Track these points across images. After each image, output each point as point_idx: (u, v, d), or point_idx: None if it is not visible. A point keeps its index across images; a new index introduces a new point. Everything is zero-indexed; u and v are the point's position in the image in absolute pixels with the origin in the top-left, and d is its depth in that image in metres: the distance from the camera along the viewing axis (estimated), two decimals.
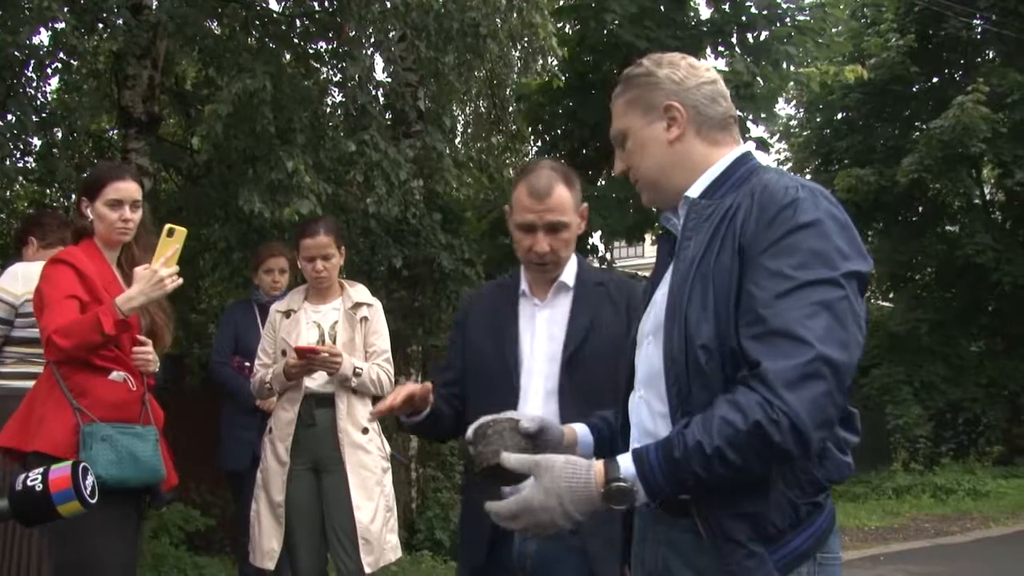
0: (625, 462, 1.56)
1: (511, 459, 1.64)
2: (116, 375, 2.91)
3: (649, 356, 1.73)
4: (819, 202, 1.59)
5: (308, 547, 3.90)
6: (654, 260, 1.96)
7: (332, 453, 3.83)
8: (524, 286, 2.50)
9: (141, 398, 3.00)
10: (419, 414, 2.33)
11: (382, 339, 4.04)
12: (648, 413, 1.70)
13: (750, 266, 1.56)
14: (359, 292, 4.09)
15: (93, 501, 1.85)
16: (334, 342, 3.91)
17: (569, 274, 2.48)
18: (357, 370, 3.84)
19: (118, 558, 2.86)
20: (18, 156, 6.19)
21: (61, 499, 1.84)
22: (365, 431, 3.89)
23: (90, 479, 1.86)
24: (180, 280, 2.95)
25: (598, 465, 1.57)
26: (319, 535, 3.88)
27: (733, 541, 1.54)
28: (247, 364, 4.95)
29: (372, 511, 3.82)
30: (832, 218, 1.58)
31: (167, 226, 2.93)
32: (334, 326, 3.97)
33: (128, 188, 3.00)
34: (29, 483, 1.83)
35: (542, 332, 2.42)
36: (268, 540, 3.86)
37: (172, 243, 2.90)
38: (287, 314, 4.04)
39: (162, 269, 2.86)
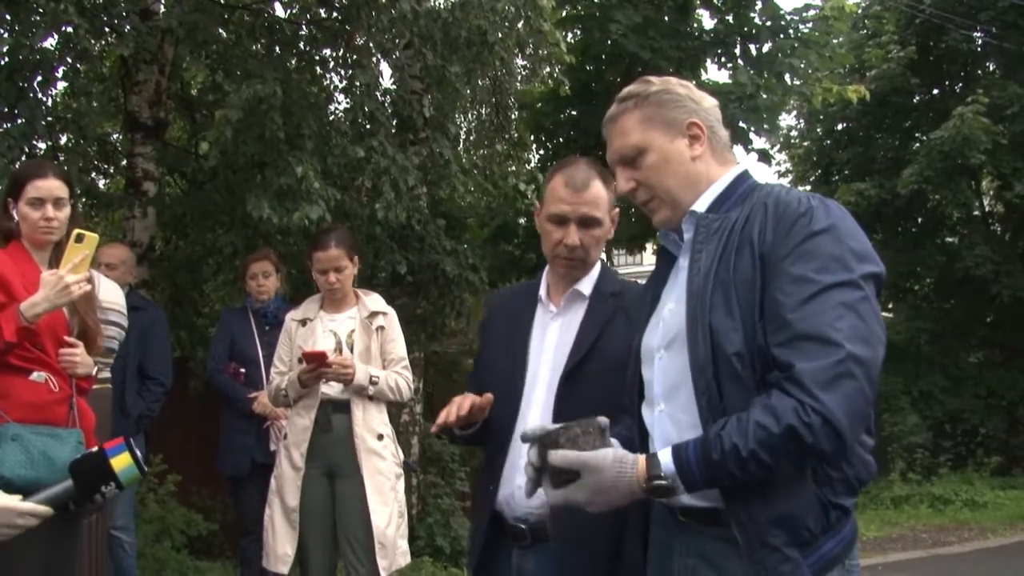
0: (665, 458, 1.62)
1: (558, 456, 1.66)
2: (36, 375, 2.80)
3: (666, 370, 1.76)
4: (830, 210, 1.67)
5: (320, 551, 3.95)
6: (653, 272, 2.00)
7: (348, 459, 3.89)
8: (543, 290, 2.44)
9: (68, 400, 2.87)
10: (473, 426, 2.28)
11: (399, 346, 4.11)
12: (673, 427, 1.73)
13: (772, 273, 1.62)
14: (375, 301, 4.15)
15: (147, 470, 2.02)
16: (351, 351, 3.97)
17: (587, 283, 2.41)
18: (374, 379, 3.90)
19: (30, 564, 2.61)
20: (24, 160, 6.20)
21: (114, 452, 2.08)
22: (380, 437, 3.95)
23: (138, 453, 2.08)
24: (88, 287, 2.85)
25: (641, 462, 1.64)
26: (331, 540, 3.93)
27: (769, 547, 1.57)
28: (243, 370, 5.00)
29: (387, 516, 3.88)
30: (843, 224, 1.65)
31: (75, 231, 2.85)
32: (351, 335, 4.02)
33: (49, 186, 2.89)
34: (86, 452, 2.01)
35: (551, 342, 2.37)
36: (282, 545, 3.90)
37: (81, 249, 2.81)
38: (303, 322, 4.09)
39: (69, 275, 2.74)
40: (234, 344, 5.10)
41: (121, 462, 2.04)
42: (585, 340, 2.31)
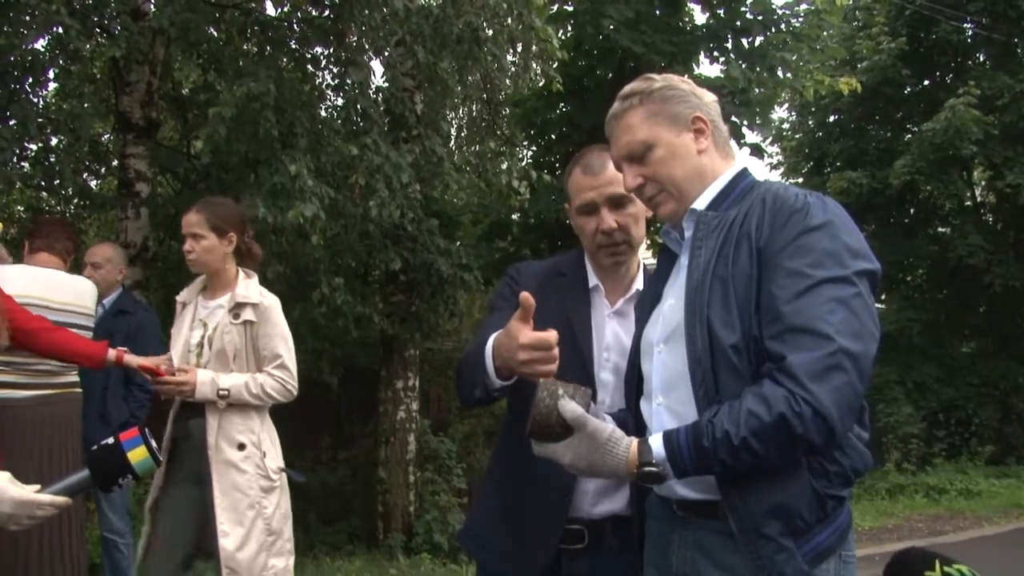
0: (656, 444, 1.64)
1: (567, 408, 1.66)
2: None
3: (665, 363, 1.78)
4: (827, 207, 1.69)
5: (162, 556, 3.49)
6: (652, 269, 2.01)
7: (207, 469, 3.42)
8: (596, 281, 2.29)
9: None
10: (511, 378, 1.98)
11: (273, 341, 3.48)
12: (671, 419, 1.75)
13: (768, 267, 1.64)
14: (248, 289, 3.53)
15: (162, 460, 2.07)
16: (210, 348, 3.47)
17: (639, 280, 2.29)
18: (221, 392, 3.39)
19: None
20: (15, 161, 6.19)
21: (130, 445, 2.11)
22: (242, 447, 3.43)
23: (153, 443, 2.12)
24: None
25: (633, 447, 1.65)
26: (179, 547, 3.49)
27: (764, 536, 1.59)
28: None
29: (240, 537, 3.36)
30: (839, 221, 1.67)
31: None
32: (214, 331, 3.49)
33: None
34: (102, 442, 2.11)
35: (611, 342, 2.23)
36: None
37: None
38: (183, 306, 3.63)
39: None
40: None
41: (137, 455, 2.09)
42: None
